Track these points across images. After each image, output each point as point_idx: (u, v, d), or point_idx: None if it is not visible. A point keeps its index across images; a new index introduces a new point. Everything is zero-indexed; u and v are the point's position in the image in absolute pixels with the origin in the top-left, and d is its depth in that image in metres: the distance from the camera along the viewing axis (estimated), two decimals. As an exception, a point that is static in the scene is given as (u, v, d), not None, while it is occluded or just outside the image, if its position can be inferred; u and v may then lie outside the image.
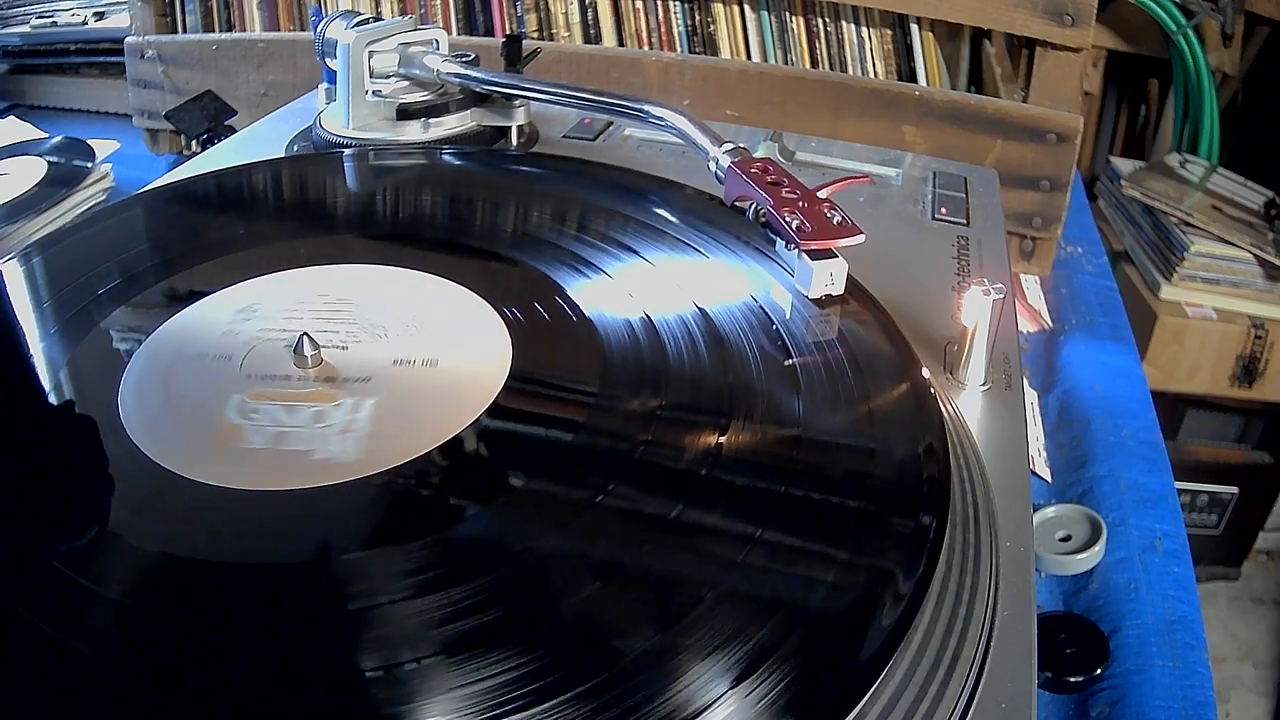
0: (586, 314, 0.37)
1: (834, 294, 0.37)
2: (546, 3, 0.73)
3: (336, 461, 0.30)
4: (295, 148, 0.54)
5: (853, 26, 0.69)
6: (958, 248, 0.47)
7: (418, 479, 0.29)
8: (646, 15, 0.72)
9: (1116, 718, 0.38)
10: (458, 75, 0.52)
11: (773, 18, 0.70)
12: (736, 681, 0.23)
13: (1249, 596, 1.38)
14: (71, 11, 0.93)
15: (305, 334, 0.34)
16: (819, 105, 0.67)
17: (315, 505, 0.28)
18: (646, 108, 0.47)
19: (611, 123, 0.59)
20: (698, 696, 0.22)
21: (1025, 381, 0.43)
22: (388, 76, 0.54)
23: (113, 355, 0.34)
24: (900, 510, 0.28)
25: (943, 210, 0.51)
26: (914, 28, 0.68)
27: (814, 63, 0.70)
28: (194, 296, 0.38)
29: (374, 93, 0.53)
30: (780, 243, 0.40)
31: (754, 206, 0.41)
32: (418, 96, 0.54)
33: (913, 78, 0.69)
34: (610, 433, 0.31)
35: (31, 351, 0.35)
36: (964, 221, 0.50)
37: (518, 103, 0.54)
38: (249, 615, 0.25)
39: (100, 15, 0.92)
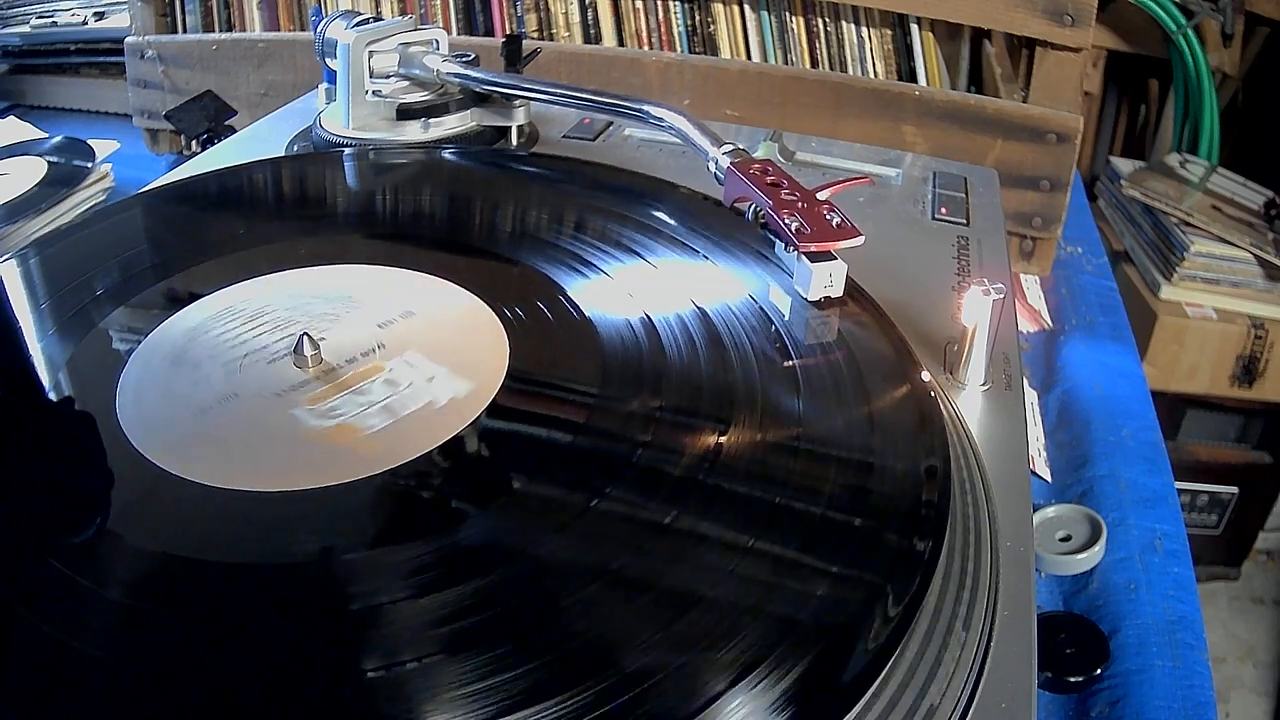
0: (586, 314, 0.37)
1: (833, 296, 0.37)
2: (546, 3, 0.73)
3: (462, 398, 0.31)
4: (295, 148, 0.54)
5: (853, 26, 0.69)
6: (958, 248, 0.47)
7: (416, 480, 0.29)
8: (646, 15, 0.72)
9: (1116, 718, 0.38)
10: (458, 75, 0.52)
11: (773, 18, 0.70)
12: (735, 681, 0.23)
13: (1249, 596, 1.38)
14: (71, 11, 0.93)
15: (305, 334, 0.34)
16: (819, 105, 0.67)
17: (315, 506, 0.28)
18: (646, 108, 0.47)
19: (611, 123, 0.59)
20: (697, 696, 0.22)
21: (1025, 381, 0.43)
22: (388, 76, 0.54)
23: (112, 355, 0.34)
24: (901, 510, 0.28)
25: (943, 210, 0.51)
26: (914, 28, 0.68)
27: (814, 63, 0.70)
28: (193, 297, 0.38)
29: (374, 93, 0.53)
30: (780, 244, 0.40)
31: (753, 208, 0.41)
32: (418, 96, 0.54)
33: (913, 78, 0.69)
34: (609, 434, 0.31)
35: (31, 351, 0.35)
36: (964, 221, 0.50)
37: (518, 103, 0.54)
38: (248, 615, 0.25)
39: (100, 15, 0.92)
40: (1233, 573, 1.34)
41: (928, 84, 0.69)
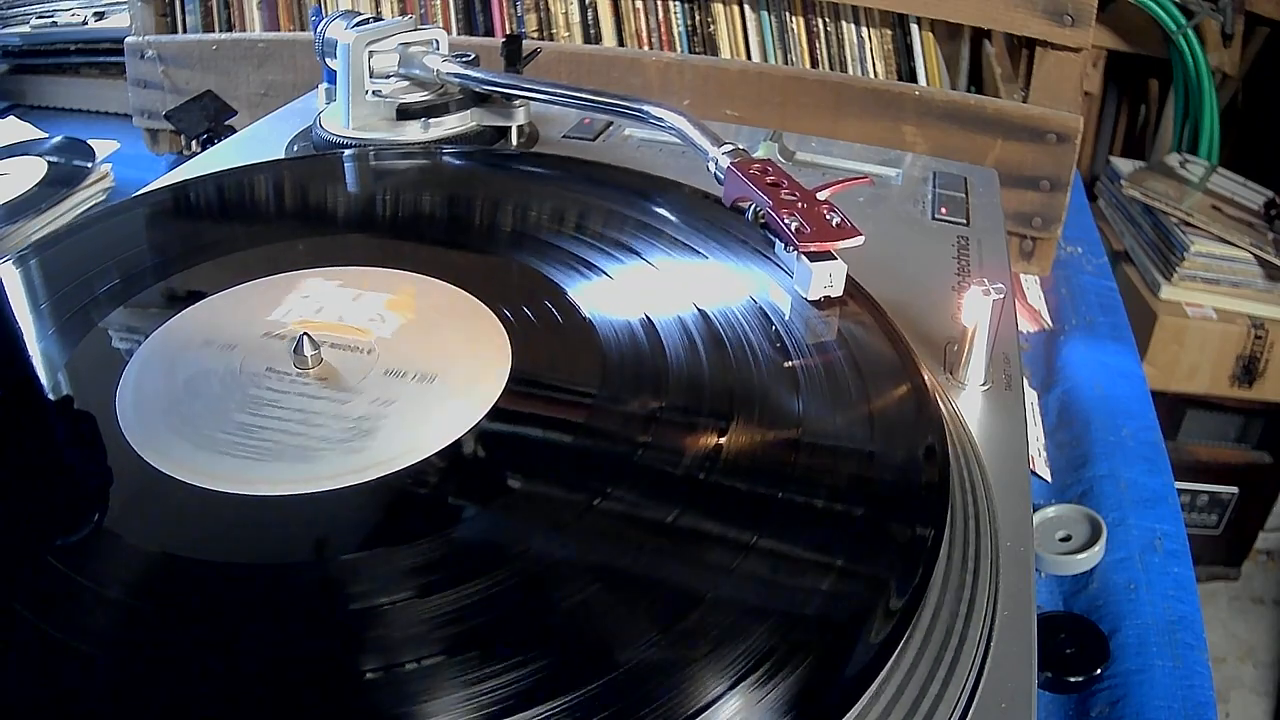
0: (586, 315, 0.37)
1: (833, 295, 0.37)
2: (546, 3, 0.73)
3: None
4: (295, 148, 0.54)
5: (853, 26, 0.69)
6: (958, 248, 0.47)
7: (419, 482, 0.29)
8: (646, 15, 0.72)
9: (1116, 718, 0.38)
10: (458, 75, 0.52)
11: (773, 18, 0.70)
12: (736, 681, 0.23)
13: (1249, 596, 1.38)
14: (71, 11, 0.93)
15: (305, 334, 0.34)
16: (819, 105, 0.67)
17: (317, 507, 0.28)
18: (646, 108, 0.47)
19: (611, 123, 0.59)
20: (698, 696, 0.22)
21: (1025, 381, 0.43)
22: (388, 76, 0.54)
23: (111, 356, 0.34)
24: (901, 510, 0.28)
25: (943, 210, 0.51)
26: (914, 28, 0.68)
27: (814, 63, 0.70)
28: (193, 297, 0.38)
29: (374, 93, 0.53)
30: (779, 244, 0.40)
31: (753, 207, 0.41)
32: (418, 96, 0.54)
33: (913, 78, 0.69)
34: (610, 435, 0.31)
35: (30, 352, 0.35)
36: (964, 221, 0.50)
37: (518, 103, 0.54)
38: (249, 616, 0.25)
39: (100, 15, 0.92)
40: (1233, 573, 1.34)
41: (928, 84, 0.69)
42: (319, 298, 0.38)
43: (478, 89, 0.53)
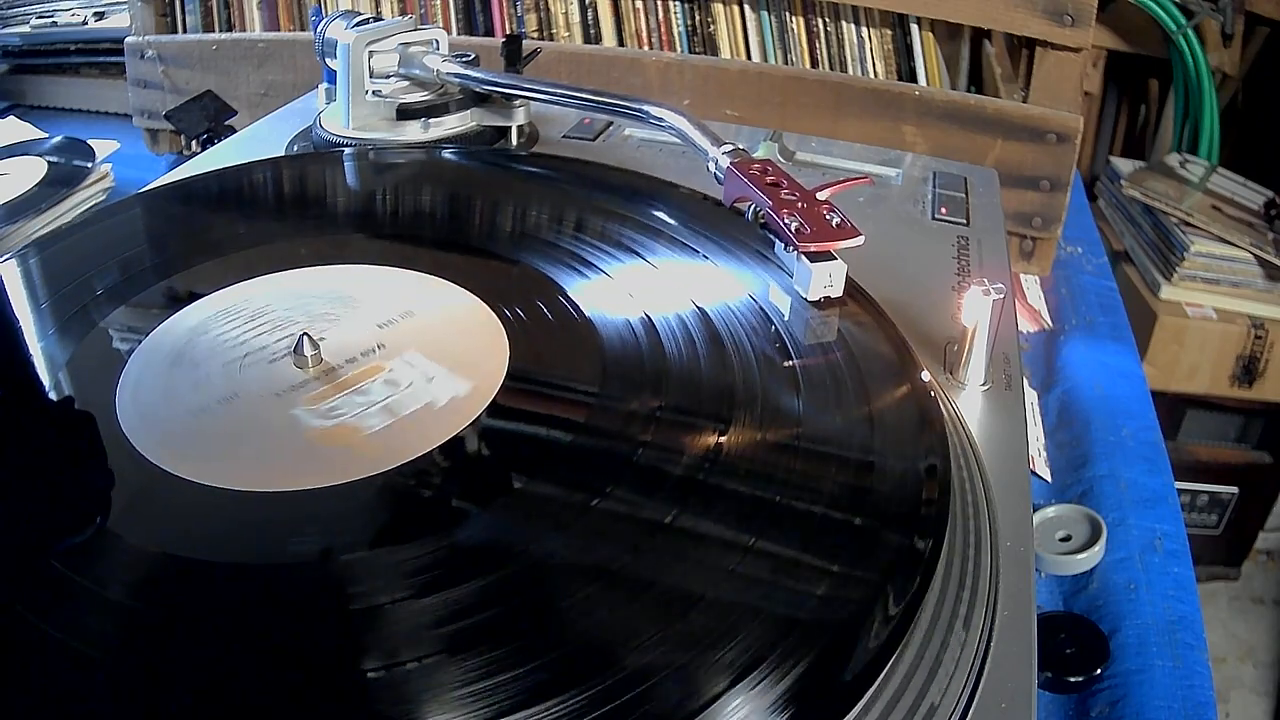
0: (586, 314, 0.37)
1: (833, 296, 0.37)
2: (546, 3, 0.73)
3: (462, 398, 0.32)
4: (295, 148, 0.54)
5: (853, 26, 0.69)
6: (958, 248, 0.47)
7: (417, 479, 0.29)
8: (646, 15, 0.72)
9: (1116, 718, 0.38)
10: (458, 75, 0.52)
11: (773, 18, 0.70)
12: (735, 681, 0.23)
13: (1249, 596, 1.38)
14: (71, 11, 0.93)
15: (305, 334, 0.34)
16: (819, 105, 0.67)
17: (315, 506, 0.28)
18: (646, 108, 0.47)
19: (611, 123, 0.59)
20: (697, 696, 0.22)
21: (1025, 381, 0.43)
22: (388, 76, 0.54)
23: (111, 355, 0.34)
24: (901, 510, 0.28)
25: (943, 210, 0.51)
26: (914, 28, 0.68)
27: (814, 63, 0.70)
28: (193, 297, 0.38)
29: (374, 93, 0.53)
30: (779, 244, 0.40)
31: (753, 207, 0.41)
32: (418, 96, 0.54)
33: (913, 78, 0.69)
34: (609, 434, 0.31)
35: (31, 351, 0.35)
36: (964, 221, 0.50)
37: (518, 103, 0.54)
38: (248, 616, 0.25)
39: (100, 15, 0.92)
40: (1233, 573, 1.34)
41: (928, 84, 0.69)
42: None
43: (478, 89, 0.53)
